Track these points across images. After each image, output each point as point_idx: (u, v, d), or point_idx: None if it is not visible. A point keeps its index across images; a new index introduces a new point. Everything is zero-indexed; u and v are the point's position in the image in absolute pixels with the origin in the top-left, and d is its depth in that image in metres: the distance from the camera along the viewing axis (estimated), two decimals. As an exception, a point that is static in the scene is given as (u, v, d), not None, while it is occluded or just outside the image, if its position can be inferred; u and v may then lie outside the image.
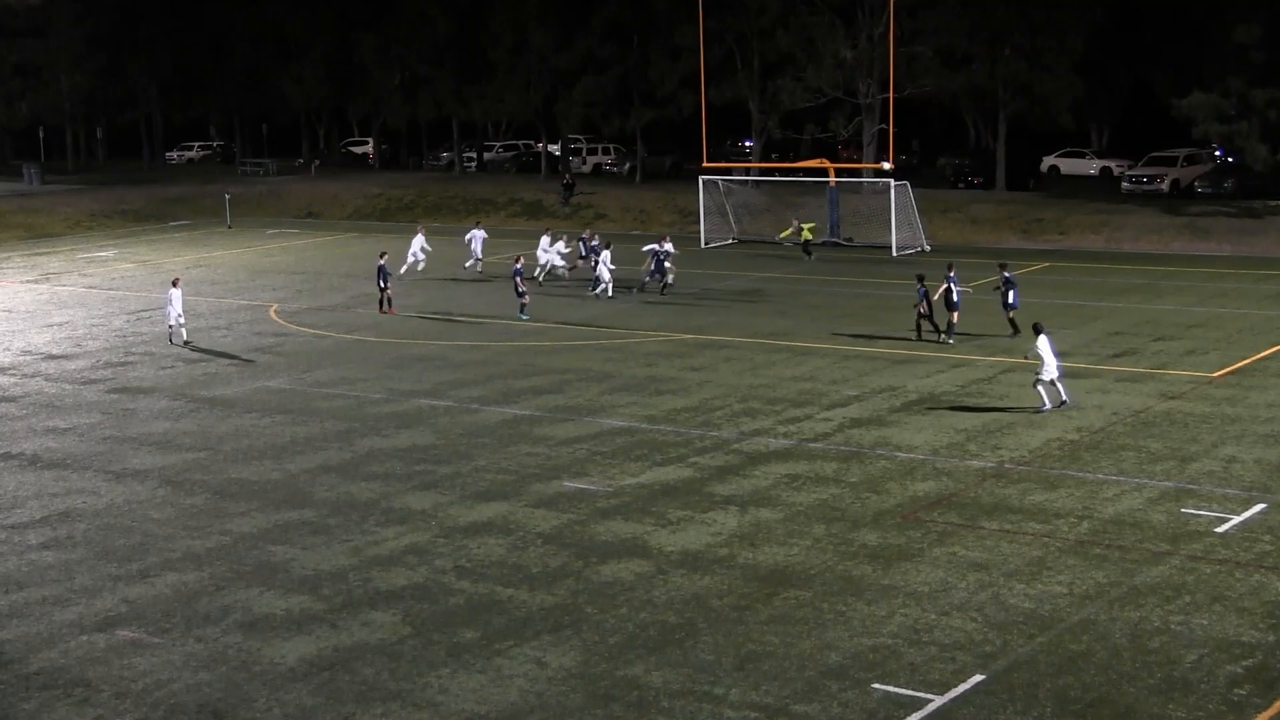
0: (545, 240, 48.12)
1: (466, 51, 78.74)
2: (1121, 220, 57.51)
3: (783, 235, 52.77)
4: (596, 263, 44.58)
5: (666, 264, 44.16)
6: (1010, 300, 35.99)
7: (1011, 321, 35.98)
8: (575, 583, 19.64)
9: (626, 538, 21.44)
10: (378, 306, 42.16)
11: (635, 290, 44.09)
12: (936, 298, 35.57)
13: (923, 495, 23.19)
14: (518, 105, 78.29)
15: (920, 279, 36.20)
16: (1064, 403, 28.32)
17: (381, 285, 41.69)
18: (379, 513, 23.01)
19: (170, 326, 37.87)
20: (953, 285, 35.21)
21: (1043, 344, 28.21)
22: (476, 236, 49.45)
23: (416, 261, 48.64)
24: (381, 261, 42.02)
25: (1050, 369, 28.18)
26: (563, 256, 47.27)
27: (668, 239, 46.41)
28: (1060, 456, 25.26)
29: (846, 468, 24.88)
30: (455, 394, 31.32)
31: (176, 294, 37.97)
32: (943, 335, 35.29)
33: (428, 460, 26.02)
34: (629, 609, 18.66)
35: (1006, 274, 36.33)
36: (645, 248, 45.70)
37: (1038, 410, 28.07)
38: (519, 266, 40.86)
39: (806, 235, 51.16)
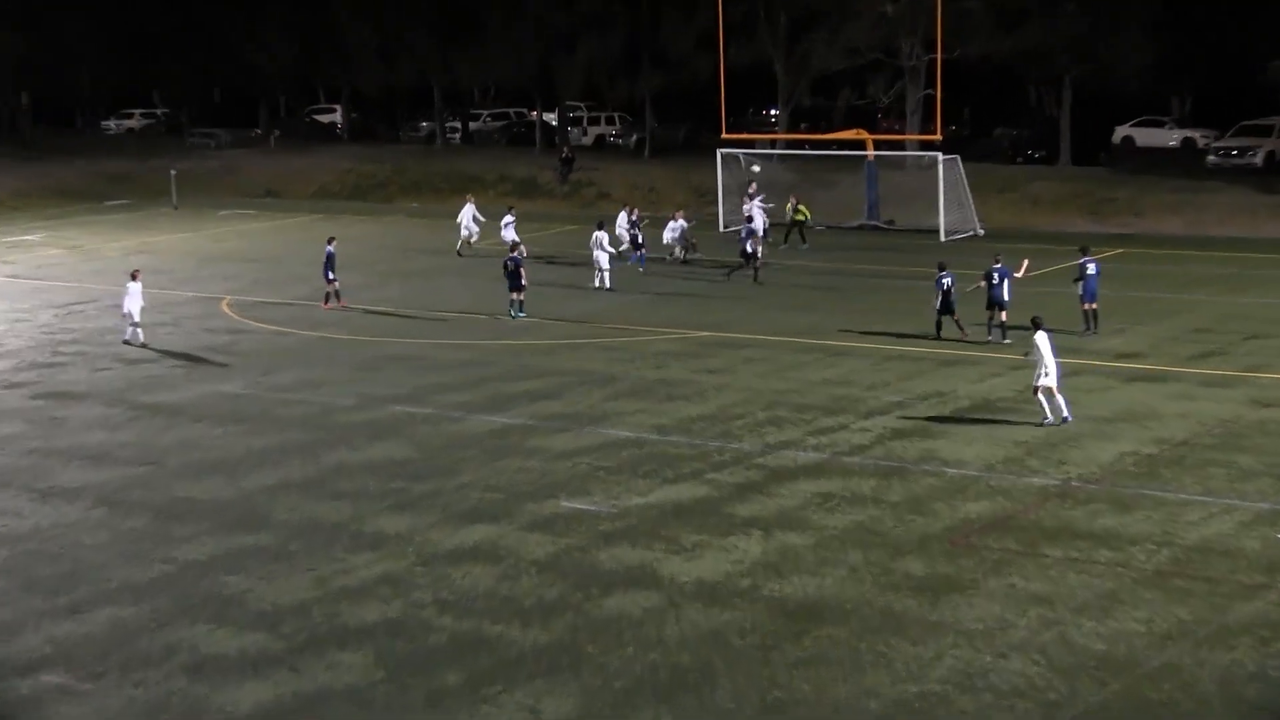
0: (622, 217, 49.32)
1: (448, 14, 78.68)
2: (1207, 200, 57.39)
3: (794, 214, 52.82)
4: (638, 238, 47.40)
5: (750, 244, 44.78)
6: (1090, 289, 35.82)
7: (1087, 315, 35.87)
8: (574, 618, 19.57)
9: (633, 566, 21.38)
10: (323, 300, 42.14)
11: (751, 276, 44.41)
12: (971, 290, 35.45)
13: (976, 517, 23.10)
14: (509, 69, 78.28)
15: (941, 267, 36.10)
16: (1065, 419, 27.89)
17: (329, 276, 41.71)
18: (348, 537, 22.96)
19: (130, 326, 37.59)
20: (1001, 277, 34.96)
21: (1042, 341, 27.99)
22: (509, 224, 50.53)
23: (470, 234, 52.04)
24: (330, 248, 41.98)
25: (1049, 373, 27.86)
26: (681, 233, 48.89)
27: (756, 203, 47.60)
28: (1136, 473, 25.15)
29: (887, 485, 24.81)
30: (437, 400, 31.29)
31: (136, 288, 37.70)
32: (963, 332, 35.38)
33: (405, 476, 25.98)
34: (636, 649, 18.59)
35: (1086, 258, 36.19)
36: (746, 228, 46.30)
37: (1040, 423, 27.95)
38: (518, 255, 40.50)
39: (799, 217, 51.33)
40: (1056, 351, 28.46)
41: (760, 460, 26.45)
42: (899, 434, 27.89)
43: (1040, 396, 28.10)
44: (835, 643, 18.63)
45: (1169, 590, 20.03)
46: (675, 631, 19.08)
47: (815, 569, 21.11)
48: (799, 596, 20.14)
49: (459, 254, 51.55)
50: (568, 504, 24.26)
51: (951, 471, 25.52)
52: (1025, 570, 20.84)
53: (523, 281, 39.90)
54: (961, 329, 35.52)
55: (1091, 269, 35.97)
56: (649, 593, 20.38)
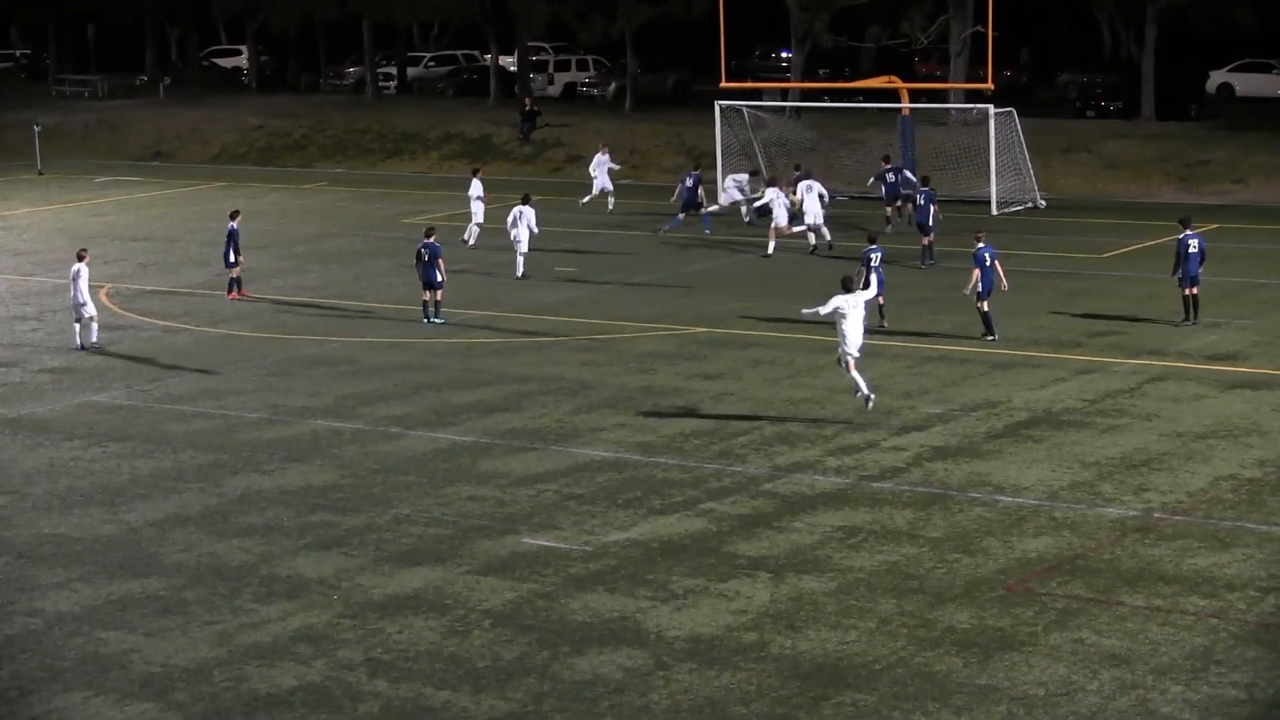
0: (739, 181, 51.49)
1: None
2: (1324, 163, 57.63)
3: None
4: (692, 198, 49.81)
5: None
6: (1191, 270, 35.99)
7: (1187, 302, 36.01)
8: (538, 682, 19.63)
9: (611, 618, 21.44)
10: (226, 289, 42.05)
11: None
12: (971, 288, 35.31)
13: (1036, 557, 23.20)
14: (456, 1, 78.17)
15: (871, 240, 36.91)
16: (865, 396, 29.65)
17: (231, 260, 41.50)
18: (257, 583, 22.99)
19: (77, 320, 36.83)
20: (992, 259, 35.09)
21: (840, 304, 29.40)
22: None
23: (606, 188, 54.88)
24: (233, 224, 41.75)
25: (849, 341, 29.30)
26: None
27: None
28: (1235, 502, 25.27)
29: (926, 518, 24.90)
30: (366, 412, 31.32)
31: (85, 272, 36.89)
32: (882, 321, 36.18)
33: (328, 507, 26.02)
34: (615, 719, 18.69)
35: (1188, 233, 36.38)
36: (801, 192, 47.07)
37: (863, 400, 29.52)
38: (434, 242, 38.64)
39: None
40: (865, 316, 29.94)
41: (769, 486, 26.53)
42: (941, 454, 27.98)
43: (851, 373, 29.54)
44: (861, 712, 18.70)
45: (1277, 647, 20.14)
46: (663, 698, 19.14)
47: (836, 621, 21.19)
48: (816, 655, 20.21)
49: (609, 212, 54.36)
50: (530, 541, 24.30)
51: (1005, 500, 25.61)
52: (1097, 622, 20.92)
53: (439, 277, 38.43)
54: (882, 318, 35.77)
55: (1193, 246, 36.12)
56: (631, 650, 20.44)
